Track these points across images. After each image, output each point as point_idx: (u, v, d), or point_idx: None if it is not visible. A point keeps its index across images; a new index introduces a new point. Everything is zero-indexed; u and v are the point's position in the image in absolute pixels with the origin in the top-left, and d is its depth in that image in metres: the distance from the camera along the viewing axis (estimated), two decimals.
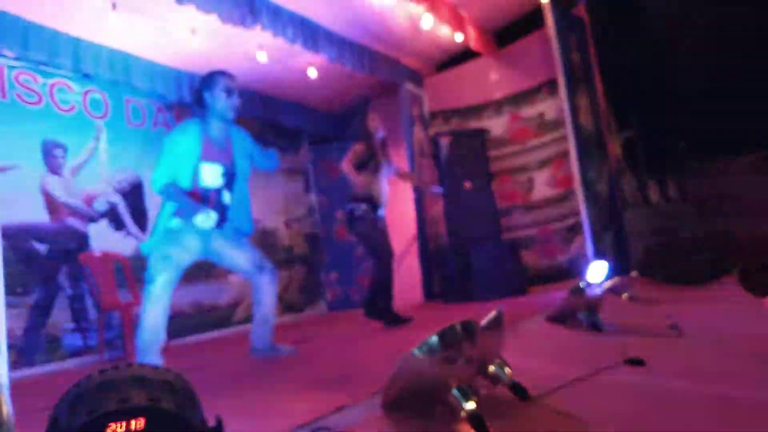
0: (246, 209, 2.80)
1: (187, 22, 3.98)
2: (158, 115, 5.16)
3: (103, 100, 4.75)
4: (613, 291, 3.12)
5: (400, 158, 5.33)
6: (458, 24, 4.90)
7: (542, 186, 5.31)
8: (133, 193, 4.89)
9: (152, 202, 4.76)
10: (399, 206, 5.04)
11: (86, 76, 4.27)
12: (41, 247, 4.19)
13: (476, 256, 4.70)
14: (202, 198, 2.57)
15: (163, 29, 4.08)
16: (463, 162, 5.15)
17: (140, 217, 4.88)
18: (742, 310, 2.96)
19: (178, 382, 0.87)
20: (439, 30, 4.80)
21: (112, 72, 4.18)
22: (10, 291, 3.84)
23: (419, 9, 4.43)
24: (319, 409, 1.35)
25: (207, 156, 2.59)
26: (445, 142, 5.26)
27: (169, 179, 2.51)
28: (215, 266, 5.03)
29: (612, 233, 4.41)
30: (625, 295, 3.17)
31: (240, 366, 2.71)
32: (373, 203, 3.53)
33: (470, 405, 1.19)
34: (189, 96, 4.63)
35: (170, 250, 2.51)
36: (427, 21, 4.58)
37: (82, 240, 4.46)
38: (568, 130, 4.46)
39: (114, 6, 3.64)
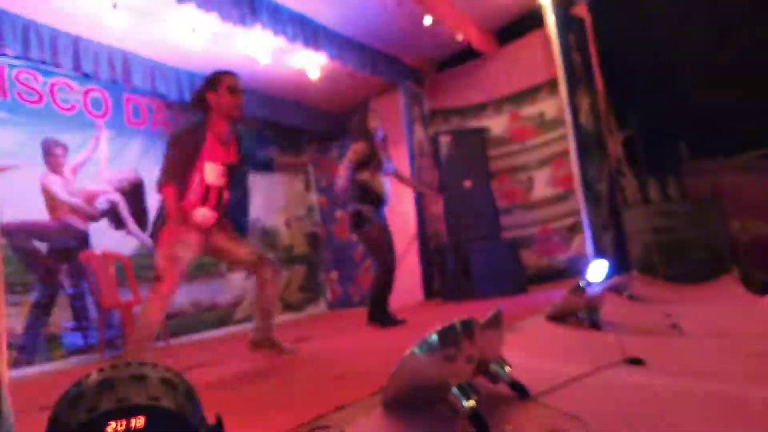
0: (243, 210, 2.80)
1: (187, 21, 3.97)
2: (158, 114, 5.17)
3: (103, 99, 4.75)
4: (613, 290, 3.13)
5: (400, 157, 5.33)
6: (459, 23, 4.89)
7: (542, 185, 5.31)
8: (134, 192, 4.89)
9: (153, 201, 4.76)
10: (399, 205, 5.03)
11: (86, 75, 4.27)
12: (42, 246, 4.19)
13: (476, 255, 4.70)
14: (204, 196, 2.59)
15: (163, 28, 4.08)
16: (463, 161, 5.16)
17: (141, 215, 4.89)
18: (742, 308, 2.96)
19: (178, 381, 0.87)
20: (439, 29, 4.79)
21: (112, 71, 4.18)
22: (10, 290, 3.86)
23: (420, 8, 4.43)
24: (319, 407, 1.35)
25: (211, 155, 2.60)
26: (445, 141, 5.26)
27: (175, 178, 2.51)
28: (215, 265, 5.06)
29: (612, 232, 4.41)
30: (625, 294, 3.17)
31: (240, 365, 2.71)
32: (377, 202, 3.52)
33: (470, 403, 1.19)
34: (190, 95, 4.63)
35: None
36: (428, 20, 4.58)
37: (83, 239, 4.46)
38: (569, 129, 4.46)
39: (114, 5, 3.65)
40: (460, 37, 4.93)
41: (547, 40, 4.64)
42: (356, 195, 3.52)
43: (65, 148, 4.43)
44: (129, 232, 4.79)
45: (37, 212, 4.20)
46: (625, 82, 4.65)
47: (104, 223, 4.65)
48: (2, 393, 0.88)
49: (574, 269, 4.66)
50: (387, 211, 3.66)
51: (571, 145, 4.43)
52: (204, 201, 2.59)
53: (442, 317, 1.25)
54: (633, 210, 4.56)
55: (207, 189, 2.60)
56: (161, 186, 2.50)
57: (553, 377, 1.55)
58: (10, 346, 3.69)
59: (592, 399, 1.43)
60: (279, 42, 4.26)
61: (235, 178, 2.73)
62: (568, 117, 4.44)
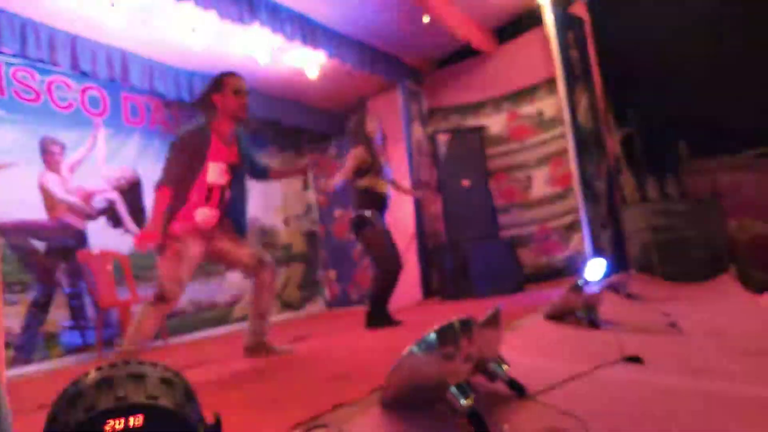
0: (242, 209, 2.80)
1: (186, 19, 3.96)
2: (156, 113, 5.16)
3: (101, 97, 4.74)
4: (612, 288, 3.13)
5: (398, 156, 5.33)
6: (458, 21, 4.89)
7: (541, 184, 5.31)
8: (132, 191, 4.88)
9: (150, 199, 4.75)
10: (398, 205, 5.03)
11: (84, 73, 4.25)
12: (39, 245, 4.18)
13: (474, 254, 4.70)
14: (206, 195, 2.60)
15: (161, 27, 4.07)
16: (461, 160, 5.16)
17: (138, 214, 4.88)
18: (740, 307, 2.97)
19: (177, 380, 0.87)
20: (438, 27, 4.79)
21: (110, 69, 4.16)
22: (8, 288, 3.85)
23: (419, 6, 4.42)
24: (317, 406, 1.35)
25: (215, 155, 2.61)
26: (443, 139, 5.26)
27: (173, 182, 2.52)
28: (214, 264, 5.05)
29: (610, 231, 4.42)
30: (623, 293, 3.18)
31: (238, 364, 2.71)
32: (380, 206, 3.47)
33: (468, 402, 1.19)
34: (188, 94, 4.62)
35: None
36: (427, 18, 4.57)
37: (81, 238, 4.45)
38: (567, 127, 4.46)
39: (112, 3, 3.64)
40: (459, 35, 4.93)
41: (545, 39, 4.65)
42: (358, 201, 3.45)
43: (63, 146, 4.42)
44: (127, 231, 4.78)
45: (35, 211, 4.19)
46: (624, 81, 4.65)
47: (102, 221, 4.64)
48: (0, 392, 0.88)
49: (573, 268, 4.67)
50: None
51: (570, 144, 4.43)
52: (207, 200, 2.60)
53: (441, 316, 1.25)
54: (631, 209, 4.56)
55: (210, 188, 2.61)
56: (157, 187, 2.52)
57: (551, 376, 1.55)
58: (7, 344, 3.68)
59: (591, 397, 1.43)
60: (277, 40, 4.25)
61: (236, 177, 2.74)
62: (566, 116, 4.45)
